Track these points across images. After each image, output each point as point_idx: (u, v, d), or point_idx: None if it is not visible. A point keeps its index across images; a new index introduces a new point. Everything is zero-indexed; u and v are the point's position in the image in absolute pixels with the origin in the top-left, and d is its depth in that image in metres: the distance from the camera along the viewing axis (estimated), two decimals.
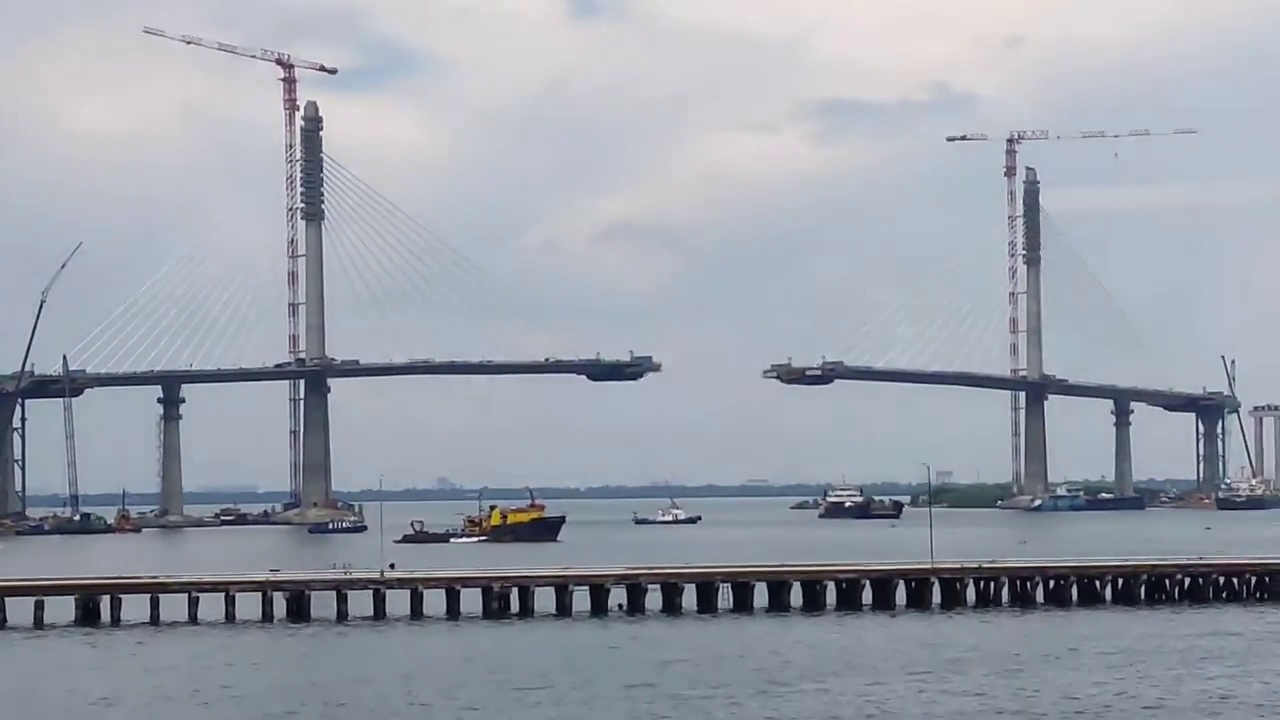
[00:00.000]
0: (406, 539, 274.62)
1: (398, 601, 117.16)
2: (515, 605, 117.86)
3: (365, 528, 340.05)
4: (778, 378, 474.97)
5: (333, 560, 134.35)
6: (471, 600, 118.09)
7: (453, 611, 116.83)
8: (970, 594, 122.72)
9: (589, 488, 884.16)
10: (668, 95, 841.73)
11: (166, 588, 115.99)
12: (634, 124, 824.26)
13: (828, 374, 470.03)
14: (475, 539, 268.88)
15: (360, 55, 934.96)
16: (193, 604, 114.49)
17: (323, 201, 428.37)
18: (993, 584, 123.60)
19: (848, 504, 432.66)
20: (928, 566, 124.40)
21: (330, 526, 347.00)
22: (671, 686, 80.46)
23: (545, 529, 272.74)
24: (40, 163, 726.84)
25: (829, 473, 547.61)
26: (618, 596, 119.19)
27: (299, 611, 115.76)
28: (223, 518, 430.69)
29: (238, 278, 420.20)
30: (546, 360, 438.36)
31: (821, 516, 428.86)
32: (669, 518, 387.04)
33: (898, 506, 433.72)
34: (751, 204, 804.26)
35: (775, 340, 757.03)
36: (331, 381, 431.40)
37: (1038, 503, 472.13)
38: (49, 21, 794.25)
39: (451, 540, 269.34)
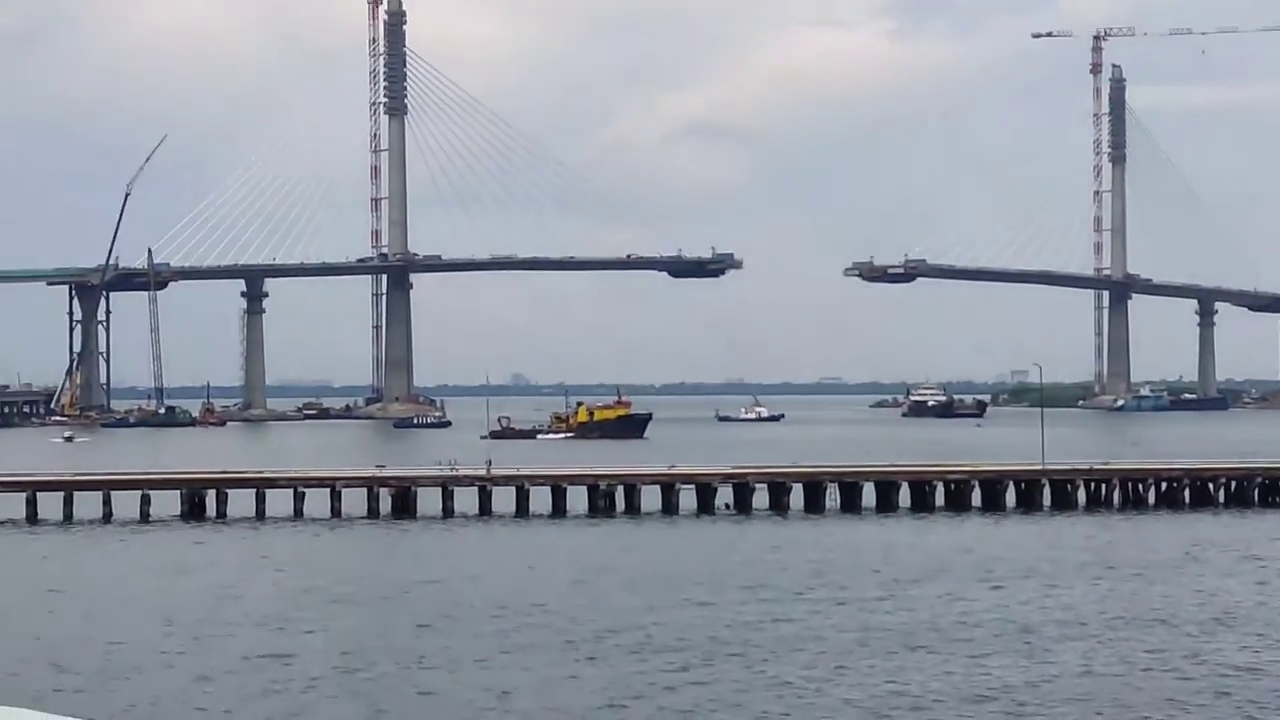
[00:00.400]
0: (493, 435, 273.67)
1: (502, 498, 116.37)
2: (621, 503, 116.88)
3: (449, 423, 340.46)
4: (859, 275, 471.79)
5: (436, 458, 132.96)
6: (576, 498, 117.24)
7: (558, 509, 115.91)
8: (1081, 496, 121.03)
9: (664, 384, 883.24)
10: None
11: (273, 483, 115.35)
12: (709, 20, 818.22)
13: (910, 272, 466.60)
14: (562, 435, 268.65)
15: None
16: (298, 499, 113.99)
17: (405, 96, 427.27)
18: (1104, 486, 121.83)
19: (930, 403, 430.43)
20: (1038, 468, 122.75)
21: (415, 421, 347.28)
22: (793, 584, 79.27)
23: (632, 426, 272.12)
24: (117, 58, 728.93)
25: (905, 371, 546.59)
26: (724, 496, 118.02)
27: (404, 508, 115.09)
28: (305, 412, 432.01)
29: (321, 172, 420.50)
30: (628, 257, 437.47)
31: (904, 415, 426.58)
32: (752, 415, 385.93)
33: (981, 406, 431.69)
34: (827, 101, 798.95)
35: (852, 239, 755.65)
36: (412, 276, 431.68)
37: (1120, 403, 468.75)
38: None
39: (538, 436, 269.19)
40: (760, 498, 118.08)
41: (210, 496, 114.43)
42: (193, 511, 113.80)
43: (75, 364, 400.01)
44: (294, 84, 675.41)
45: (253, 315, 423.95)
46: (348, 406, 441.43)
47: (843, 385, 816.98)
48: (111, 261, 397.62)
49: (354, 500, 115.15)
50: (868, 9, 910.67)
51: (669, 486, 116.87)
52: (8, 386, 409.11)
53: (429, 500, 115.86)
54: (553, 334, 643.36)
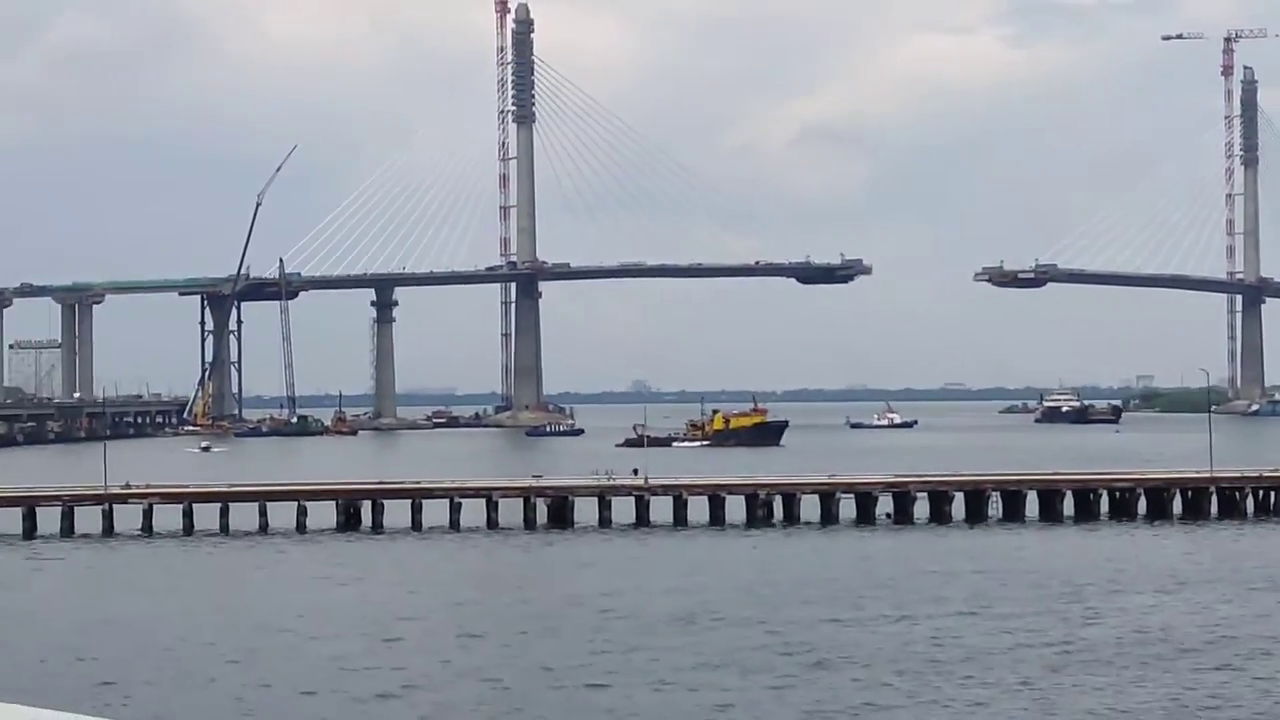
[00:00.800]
0: (628, 443, 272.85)
1: (658, 508, 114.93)
2: (779, 512, 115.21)
3: (581, 431, 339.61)
4: (989, 280, 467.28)
5: (595, 468, 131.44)
6: (734, 507, 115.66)
7: (716, 518, 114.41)
8: (1249, 504, 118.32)
9: (786, 390, 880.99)
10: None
11: (429, 493, 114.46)
12: (829, 26, 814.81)
13: (1040, 277, 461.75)
14: (698, 443, 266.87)
15: None
16: (454, 510, 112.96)
17: (533, 104, 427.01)
18: (1273, 493, 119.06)
19: (1064, 408, 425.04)
20: (1205, 475, 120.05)
21: (547, 430, 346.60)
22: (972, 601, 77.25)
23: (768, 433, 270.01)
24: (245, 71, 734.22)
25: (1029, 376, 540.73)
26: (884, 505, 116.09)
27: (561, 518, 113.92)
28: (434, 420, 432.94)
29: (449, 181, 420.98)
30: (756, 263, 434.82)
31: (1038, 421, 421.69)
32: (885, 422, 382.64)
33: (1116, 411, 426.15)
34: (946, 106, 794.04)
35: (974, 243, 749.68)
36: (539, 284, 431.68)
37: (1255, 408, 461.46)
38: None
39: (674, 444, 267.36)
40: (921, 507, 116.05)
41: (366, 507, 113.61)
42: (349, 522, 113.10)
43: (207, 374, 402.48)
44: (422, 93, 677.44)
45: (382, 324, 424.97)
46: (477, 415, 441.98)
47: (966, 391, 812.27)
48: (243, 271, 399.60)
49: (510, 510, 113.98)
50: (988, 14, 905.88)
51: (829, 495, 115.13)
52: (139, 396, 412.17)
53: (585, 510, 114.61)
54: (673, 341, 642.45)
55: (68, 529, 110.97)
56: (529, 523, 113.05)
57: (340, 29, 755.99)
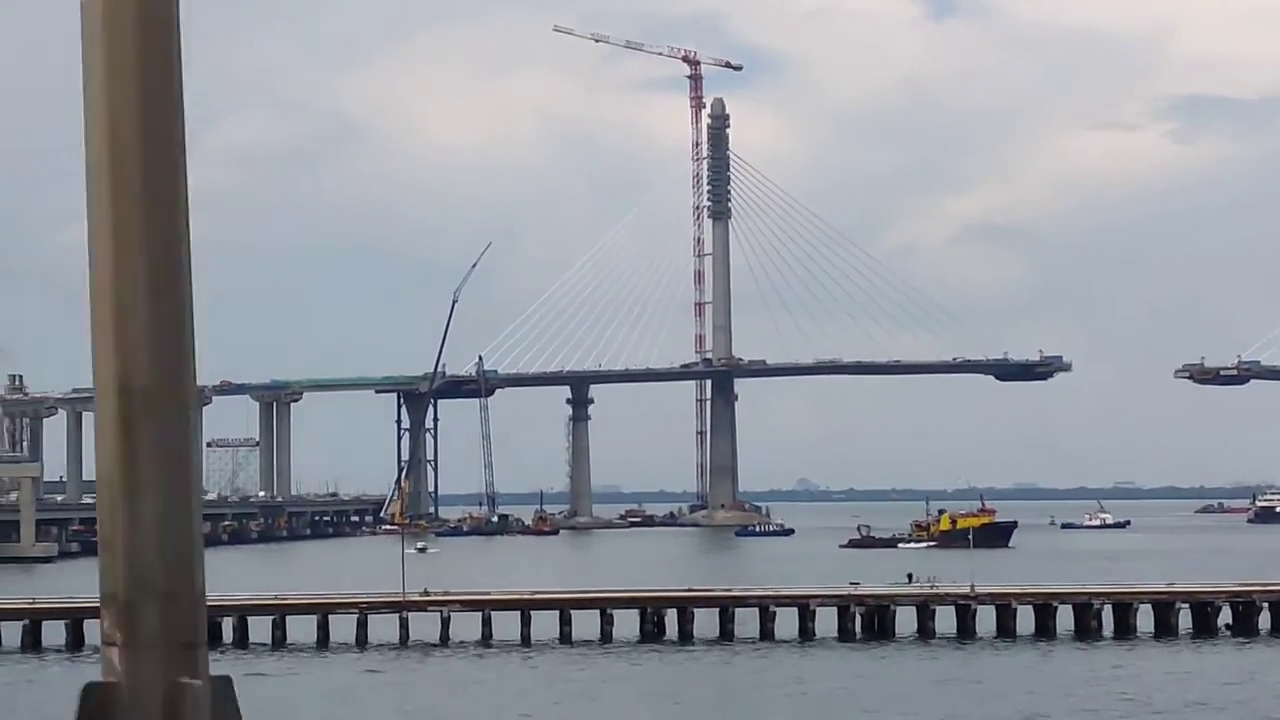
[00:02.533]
0: (852, 544, 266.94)
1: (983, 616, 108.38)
2: (1110, 623, 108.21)
3: (792, 531, 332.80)
4: (1189, 377, 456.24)
5: (909, 571, 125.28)
6: (1064, 617, 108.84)
7: (1043, 629, 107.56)
8: None
9: (956, 489, 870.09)
10: (1022, 94, 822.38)
11: (742, 601, 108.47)
12: (989, 123, 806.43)
13: (1243, 374, 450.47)
14: (924, 544, 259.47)
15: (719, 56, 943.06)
16: (768, 618, 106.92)
17: (729, 199, 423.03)
18: None
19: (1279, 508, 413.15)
20: None
21: (756, 529, 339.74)
22: None
23: (997, 534, 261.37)
24: (423, 171, 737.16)
25: (1204, 474, 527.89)
26: (1225, 616, 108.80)
27: (880, 628, 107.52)
28: (630, 519, 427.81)
29: (642, 277, 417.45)
30: (954, 360, 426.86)
31: (1250, 521, 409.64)
32: (1096, 522, 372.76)
33: None
34: (1108, 201, 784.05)
35: (1141, 340, 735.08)
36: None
37: None
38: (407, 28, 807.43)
39: (899, 545, 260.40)
40: (1264, 617, 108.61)
41: (671, 616, 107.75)
42: (656, 632, 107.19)
43: (404, 472, 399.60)
44: (615, 190, 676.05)
45: (578, 422, 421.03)
46: (671, 514, 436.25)
47: (1136, 490, 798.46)
48: (439, 369, 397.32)
49: (824, 619, 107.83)
50: (1149, 110, 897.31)
51: (1167, 605, 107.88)
52: (335, 495, 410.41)
53: (904, 619, 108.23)
54: (836, 438, 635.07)
55: (363, 637, 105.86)
56: (845, 633, 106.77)
57: (506, 131, 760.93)
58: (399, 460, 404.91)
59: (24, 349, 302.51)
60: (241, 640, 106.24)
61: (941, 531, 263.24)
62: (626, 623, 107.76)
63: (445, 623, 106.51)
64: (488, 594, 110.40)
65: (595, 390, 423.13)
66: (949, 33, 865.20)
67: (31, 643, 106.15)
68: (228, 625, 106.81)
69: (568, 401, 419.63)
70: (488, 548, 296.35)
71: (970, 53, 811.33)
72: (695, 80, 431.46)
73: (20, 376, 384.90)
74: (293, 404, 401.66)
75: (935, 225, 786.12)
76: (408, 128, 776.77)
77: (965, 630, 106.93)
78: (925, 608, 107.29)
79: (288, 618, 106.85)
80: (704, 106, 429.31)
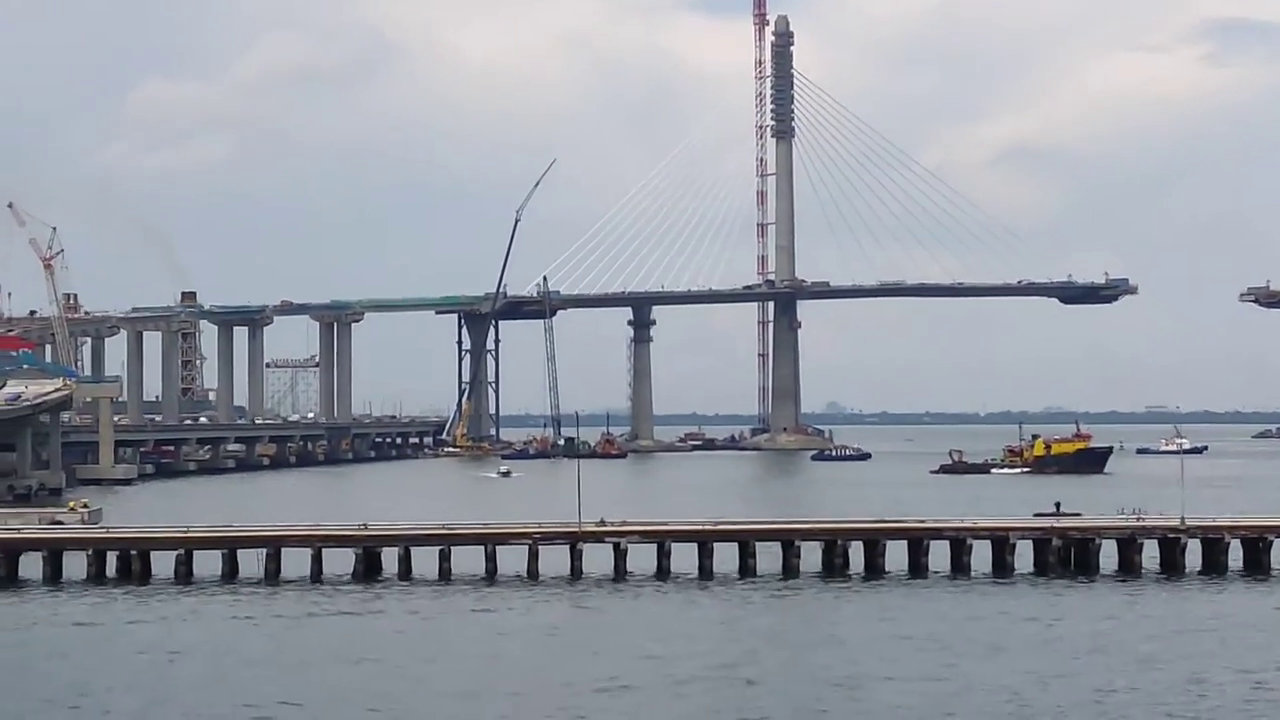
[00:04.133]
0: (943, 469, 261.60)
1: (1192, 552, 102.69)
2: None
3: (869, 455, 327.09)
4: (1255, 301, 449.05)
5: (1121, 505, 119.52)
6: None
7: (1253, 564, 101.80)
8: None
9: (988, 413, 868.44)
10: (1056, 19, 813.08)
11: (937, 533, 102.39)
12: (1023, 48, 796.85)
13: None
14: (1017, 470, 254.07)
15: None
16: (964, 550, 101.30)
17: (793, 119, 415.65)
18: None
19: None
20: None
21: (833, 454, 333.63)
22: None
23: (1092, 460, 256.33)
24: (482, 88, 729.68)
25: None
26: None
27: (1082, 562, 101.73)
28: (691, 442, 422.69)
29: (705, 197, 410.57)
30: (1019, 283, 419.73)
31: None
32: (1173, 447, 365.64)
33: None
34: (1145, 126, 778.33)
35: (1175, 263, 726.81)
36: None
37: None
38: None
39: (992, 471, 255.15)
40: None
41: (856, 548, 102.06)
42: (842, 565, 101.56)
43: (466, 393, 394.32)
44: (676, 108, 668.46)
45: (639, 344, 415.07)
46: (732, 437, 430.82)
47: (1173, 414, 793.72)
48: (501, 289, 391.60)
49: (1022, 552, 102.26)
50: (1181, 34, 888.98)
51: None
52: (394, 417, 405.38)
53: (1107, 553, 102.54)
54: (865, 360, 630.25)
55: (534, 570, 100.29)
56: (1042, 567, 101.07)
57: (596, 43, 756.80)
58: (459, 382, 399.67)
59: (77, 269, 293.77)
60: (406, 572, 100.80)
61: (1036, 457, 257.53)
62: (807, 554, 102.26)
63: (622, 554, 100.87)
64: (665, 524, 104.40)
65: (656, 312, 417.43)
66: None
67: (230, 571, 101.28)
68: (391, 556, 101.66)
69: (629, 323, 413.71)
70: (562, 471, 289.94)
71: None
72: None
73: (75, 295, 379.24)
74: (354, 324, 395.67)
75: (968, 150, 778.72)
76: (443, 47, 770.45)
77: (1172, 565, 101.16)
78: (1131, 541, 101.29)
79: (454, 548, 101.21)
80: (768, 24, 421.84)
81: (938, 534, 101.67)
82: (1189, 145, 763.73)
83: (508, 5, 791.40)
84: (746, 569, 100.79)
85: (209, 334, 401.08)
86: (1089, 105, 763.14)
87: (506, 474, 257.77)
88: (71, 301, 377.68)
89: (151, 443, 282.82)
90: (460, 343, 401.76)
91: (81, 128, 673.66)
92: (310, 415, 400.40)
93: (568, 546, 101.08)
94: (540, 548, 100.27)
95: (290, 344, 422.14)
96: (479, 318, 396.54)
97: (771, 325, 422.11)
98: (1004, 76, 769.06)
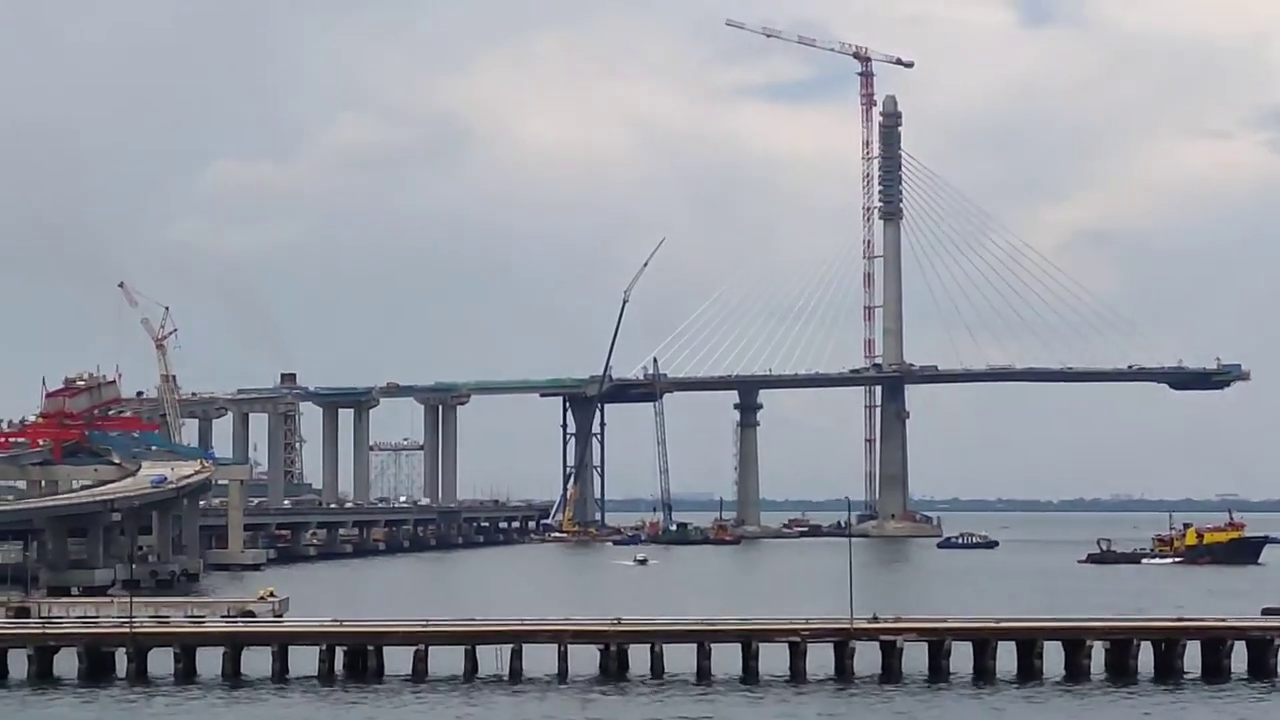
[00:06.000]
0: (1091, 559, 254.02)
1: None
2: None
3: (996, 543, 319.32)
4: None
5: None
6: None
7: None
8: None
9: (1061, 500, 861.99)
10: (1124, 103, 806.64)
11: (1187, 632, 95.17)
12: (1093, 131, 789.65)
13: None
14: (1169, 560, 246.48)
15: (812, 68, 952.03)
16: (1223, 652, 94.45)
17: (901, 200, 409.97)
18: None
19: None
20: None
21: (959, 541, 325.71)
22: None
23: (1246, 550, 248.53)
24: (532, 170, 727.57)
25: None
26: None
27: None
28: (797, 528, 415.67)
29: (810, 280, 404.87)
30: (1130, 368, 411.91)
31: None
32: None
33: None
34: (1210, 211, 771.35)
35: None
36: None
37: None
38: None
39: (1143, 561, 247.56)
40: None
41: (1146, 649, 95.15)
42: (1132, 665, 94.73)
43: (572, 478, 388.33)
44: (785, 192, 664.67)
45: (746, 428, 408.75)
46: (839, 524, 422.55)
47: (1245, 503, 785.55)
48: (607, 372, 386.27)
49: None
50: (1245, 119, 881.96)
51: None
52: (497, 501, 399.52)
53: None
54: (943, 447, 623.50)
55: (799, 669, 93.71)
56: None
57: (597, 133, 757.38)
58: (564, 466, 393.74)
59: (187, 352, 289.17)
60: (658, 670, 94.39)
61: (1187, 546, 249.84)
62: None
63: (896, 653, 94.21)
64: (943, 620, 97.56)
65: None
66: (1049, 41, 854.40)
67: (470, 669, 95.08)
68: (641, 653, 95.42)
69: (735, 406, 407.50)
70: (693, 558, 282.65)
71: (1071, 60, 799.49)
72: (866, 77, 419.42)
73: (174, 376, 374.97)
74: (459, 407, 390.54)
75: (1038, 233, 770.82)
76: (514, 129, 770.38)
77: None
78: None
79: (713, 645, 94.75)
80: (875, 104, 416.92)
81: (1188, 633, 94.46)
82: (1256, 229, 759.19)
83: (574, 89, 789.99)
84: (1030, 670, 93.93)
85: (310, 415, 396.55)
86: (1155, 190, 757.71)
87: (643, 561, 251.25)
88: (170, 383, 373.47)
89: (274, 525, 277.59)
90: (565, 426, 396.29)
91: (153, 205, 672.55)
92: (403, 499, 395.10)
93: (834, 644, 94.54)
94: (809, 645, 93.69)
95: (397, 426, 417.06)
96: (584, 401, 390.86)
97: (879, 410, 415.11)
98: (1070, 162, 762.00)
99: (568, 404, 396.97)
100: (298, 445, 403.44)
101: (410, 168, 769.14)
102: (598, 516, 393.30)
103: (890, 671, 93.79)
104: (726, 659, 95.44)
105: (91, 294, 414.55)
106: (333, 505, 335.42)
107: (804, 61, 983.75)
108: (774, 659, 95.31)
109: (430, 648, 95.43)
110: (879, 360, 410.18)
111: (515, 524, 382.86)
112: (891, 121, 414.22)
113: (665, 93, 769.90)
